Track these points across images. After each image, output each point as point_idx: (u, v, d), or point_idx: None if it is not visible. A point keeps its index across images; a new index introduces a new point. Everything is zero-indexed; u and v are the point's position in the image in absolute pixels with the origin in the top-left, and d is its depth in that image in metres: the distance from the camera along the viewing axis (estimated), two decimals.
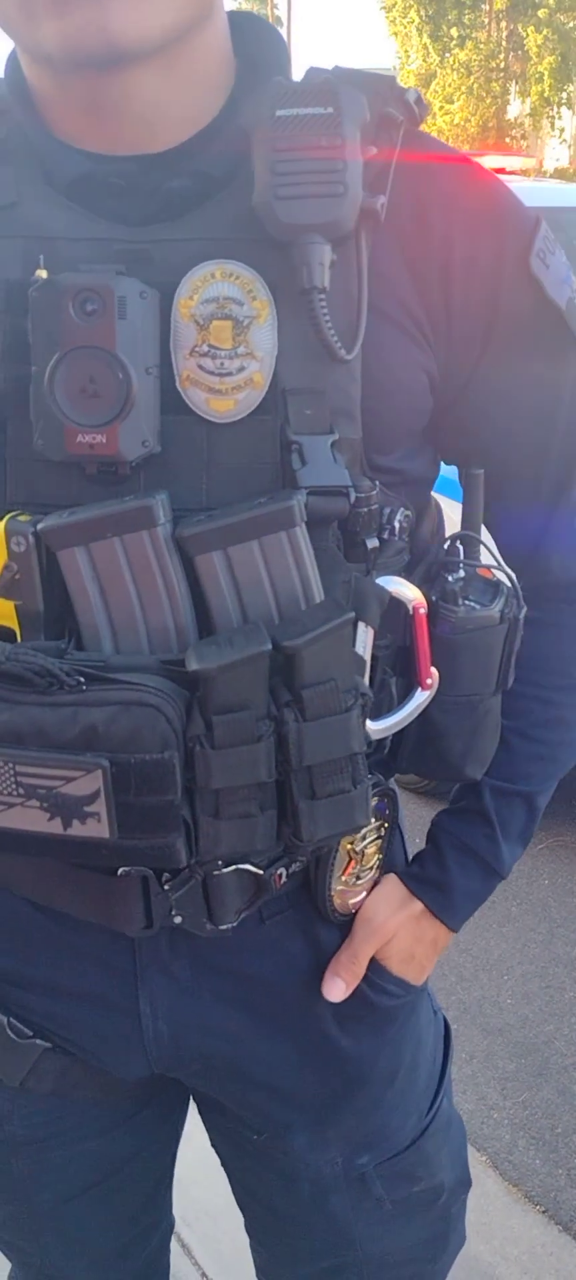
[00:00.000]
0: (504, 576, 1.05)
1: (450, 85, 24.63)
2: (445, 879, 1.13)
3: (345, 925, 1.09)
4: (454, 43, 25.31)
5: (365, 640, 0.95)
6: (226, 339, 0.89)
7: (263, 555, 0.88)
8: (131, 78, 0.88)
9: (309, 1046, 1.11)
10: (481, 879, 1.14)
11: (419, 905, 1.12)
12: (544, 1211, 2.40)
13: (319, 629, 0.87)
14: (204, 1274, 2.19)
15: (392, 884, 1.13)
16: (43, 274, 0.89)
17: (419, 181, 0.94)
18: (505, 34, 25.79)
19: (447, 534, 1.11)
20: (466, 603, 1.02)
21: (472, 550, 1.05)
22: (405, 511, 0.98)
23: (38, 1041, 1.10)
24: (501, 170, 6.64)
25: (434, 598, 1.02)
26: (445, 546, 1.06)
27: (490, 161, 6.62)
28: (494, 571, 1.05)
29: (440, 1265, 1.29)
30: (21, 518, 0.89)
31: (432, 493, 1.09)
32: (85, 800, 0.86)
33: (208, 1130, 1.27)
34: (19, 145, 0.95)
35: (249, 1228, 1.32)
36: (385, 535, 0.97)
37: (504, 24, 25.81)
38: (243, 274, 0.89)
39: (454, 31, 25.36)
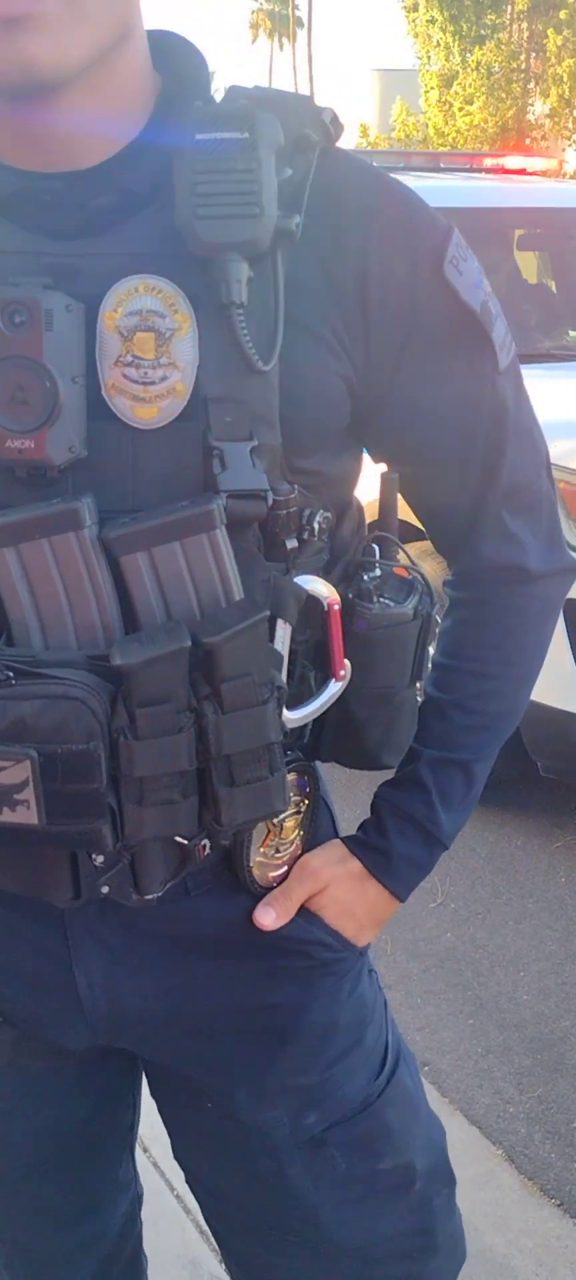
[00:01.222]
0: (418, 575, 1.11)
1: (470, 86, 24.56)
2: (384, 843, 1.17)
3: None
4: (471, 40, 25.22)
5: (283, 636, 1.00)
6: (149, 350, 0.94)
7: (184, 556, 0.94)
8: (54, 102, 0.93)
9: (241, 998, 1.15)
10: (421, 844, 1.18)
11: (357, 864, 1.17)
12: (559, 1205, 2.41)
13: (236, 626, 0.93)
14: (222, 1259, 2.21)
15: (334, 843, 1.18)
16: None
17: (334, 196, 1.00)
18: (526, 34, 25.71)
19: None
20: (381, 600, 1.07)
21: (388, 550, 1.10)
22: (324, 513, 1.03)
23: None
24: (522, 171, 6.63)
25: (350, 595, 1.07)
26: (362, 548, 1.11)
27: (512, 162, 6.62)
28: (408, 570, 1.10)
29: (429, 1271, 1.28)
30: None
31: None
32: (15, 789, 0.91)
33: (170, 1136, 1.29)
34: None
35: (223, 1247, 1.33)
36: (304, 536, 1.01)
37: (525, 25, 25.73)
38: (165, 288, 0.94)
39: (474, 31, 25.28)
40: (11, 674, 0.91)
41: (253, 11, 54.30)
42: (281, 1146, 1.19)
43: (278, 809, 1.02)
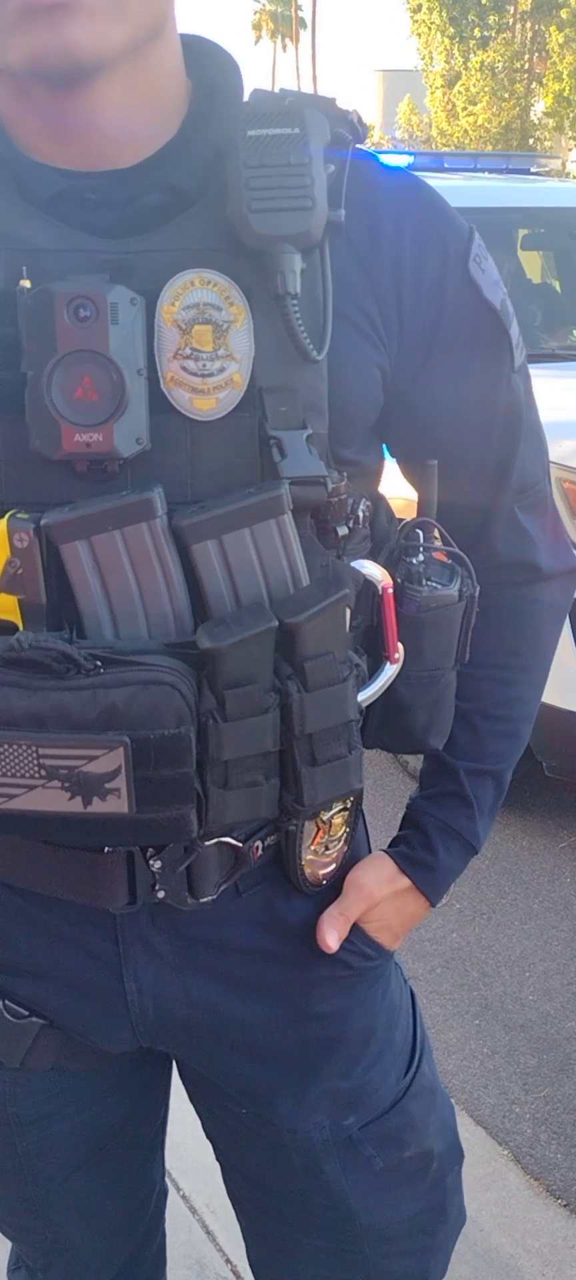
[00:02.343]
0: (458, 557, 1.13)
1: (474, 86, 24.55)
2: (433, 860, 1.21)
3: (316, 896, 1.15)
4: (475, 43, 25.23)
5: (345, 619, 1.01)
6: (207, 342, 0.95)
7: (254, 542, 0.95)
8: (93, 93, 0.94)
9: (287, 1008, 1.16)
10: (461, 857, 1.22)
11: (406, 881, 1.19)
12: (565, 1205, 2.41)
13: (317, 605, 0.95)
14: (228, 1259, 2.21)
15: (382, 859, 1.20)
16: (26, 284, 0.93)
17: (367, 194, 1.03)
18: (530, 34, 25.69)
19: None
20: (428, 583, 1.09)
21: (429, 535, 1.12)
22: (366, 501, 1.07)
23: (34, 1020, 1.14)
24: (526, 171, 6.62)
25: (399, 579, 1.08)
26: (405, 533, 1.13)
27: (516, 163, 6.61)
28: (448, 555, 1.13)
29: (439, 1239, 1.32)
30: (21, 515, 0.94)
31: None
32: (107, 777, 0.91)
33: (199, 1116, 1.30)
34: None
35: (246, 1224, 1.35)
36: (351, 524, 1.04)
37: (528, 24, 25.71)
38: (219, 281, 0.95)
39: (476, 32, 25.28)
40: (99, 662, 0.91)
41: (255, 12, 54.33)
42: (318, 1147, 1.21)
43: (355, 787, 1.04)
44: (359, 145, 1.04)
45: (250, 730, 0.95)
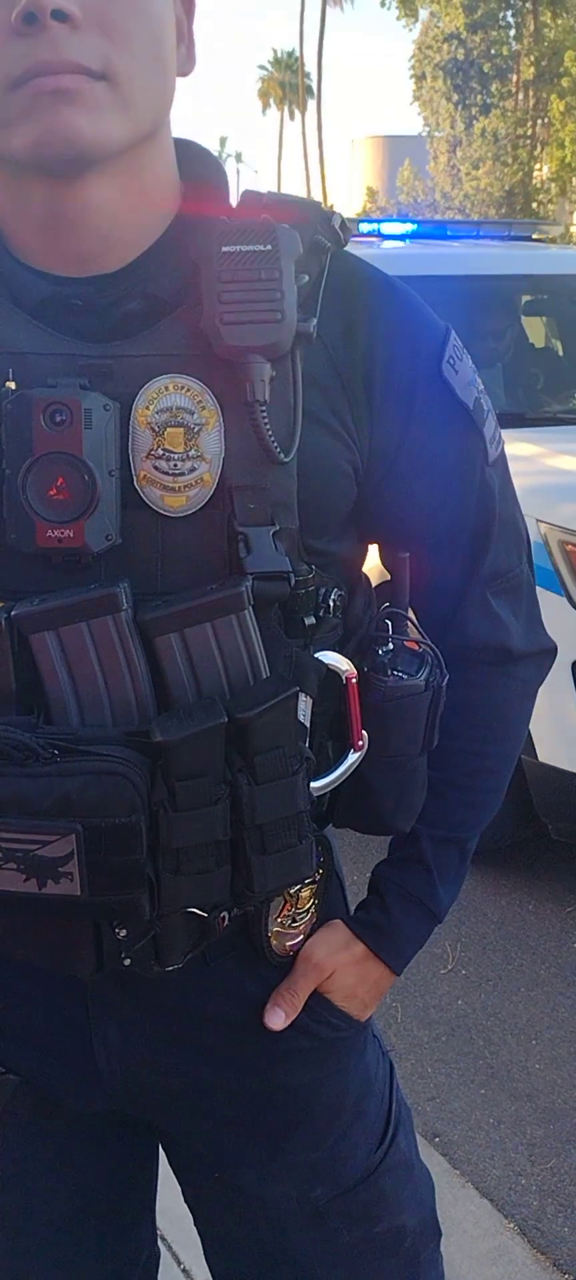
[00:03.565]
0: (428, 649, 1.16)
1: (476, 151, 24.86)
2: (388, 923, 1.22)
3: (283, 966, 1.17)
4: (477, 109, 25.59)
5: (305, 709, 1.05)
6: (179, 444, 1.01)
7: (215, 636, 1.00)
8: (89, 188, 1.00)
9: (254, 1078, 1.18)
10: (421, 922, 1.24)
11: (361, 947, 1.21)
12: None
13: (268, 702, 0.99)
14: None
15: (335, 927, 1.21)
16: (11, 385, 1.00)
17: (344, 299, 1.09)
18: (532, 102, 26.03)
19: None
20: (394, 673, 1.13)
21: (400, 626, 1.16)
22: (339, 591, 1.11)
23: (11, 1076, 1.17)
24: (527, 238, 6.67)
25: (365, 669, 1.12)
26: (375, 624, 1.17)
27: (517, 230, 6.65)
28: (419, 644, 1.16)
29: None
30: None
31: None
32: (60, 861, 0.95)
33: (178, 1181, 1.31)
34: None
35: (215, 1273, 1.35)
36: (321, 613, 1.08)
37: (531, 91, 26.06)
38: (193, 386, 1.02)
39: (479, 99, 25.64)
40: (56, 752, 0.95)
41: (262, 79, 55.16)
42: (286, 1217, 1.22)
43: (305, 874, 1.07)
44: (340, 248, 1.09)
45: (200, 820, 0.98)
